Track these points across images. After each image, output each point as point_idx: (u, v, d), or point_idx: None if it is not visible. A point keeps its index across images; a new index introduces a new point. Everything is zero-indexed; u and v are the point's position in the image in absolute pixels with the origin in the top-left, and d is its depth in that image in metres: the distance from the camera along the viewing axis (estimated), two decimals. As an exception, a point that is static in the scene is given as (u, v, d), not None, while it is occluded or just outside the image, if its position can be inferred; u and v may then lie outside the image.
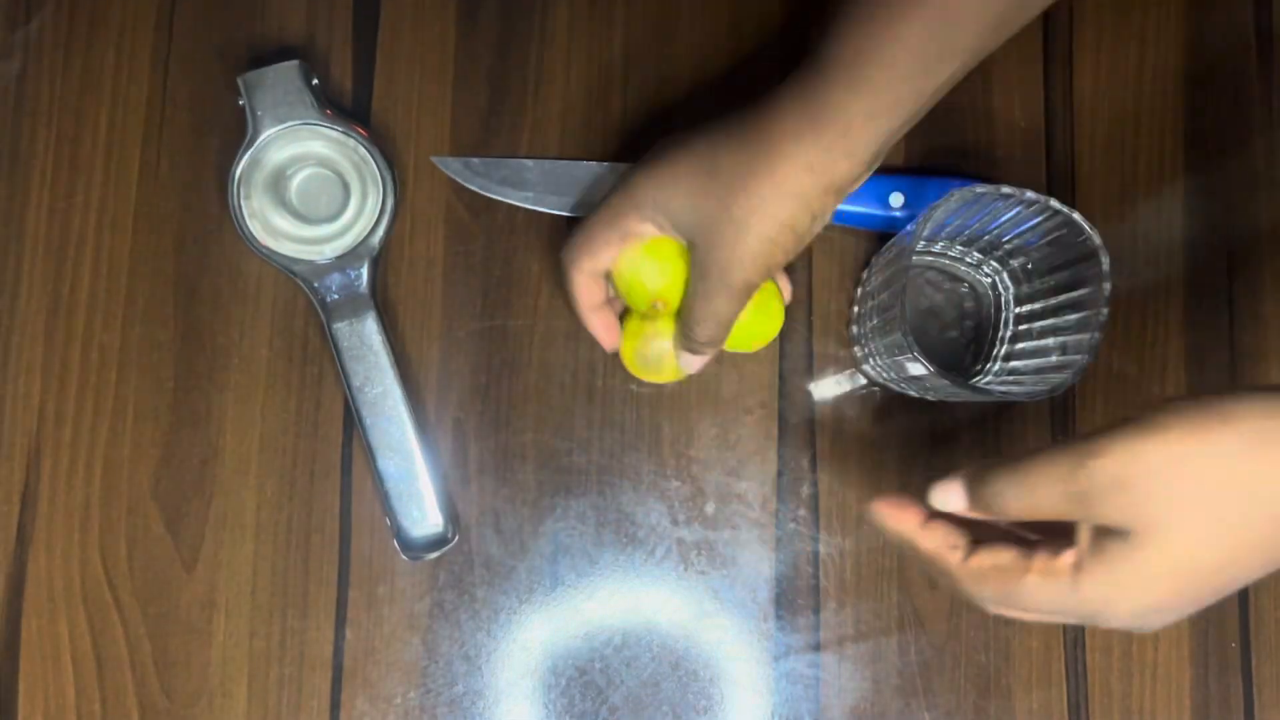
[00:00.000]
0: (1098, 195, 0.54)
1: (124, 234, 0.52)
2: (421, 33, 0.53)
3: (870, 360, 0.50)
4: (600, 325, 0.48)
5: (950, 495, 0.37)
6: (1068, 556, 0.33)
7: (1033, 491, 0.33)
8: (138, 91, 0.53)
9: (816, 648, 0.51)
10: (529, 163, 0.52)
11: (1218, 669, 0.51)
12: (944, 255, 0.53)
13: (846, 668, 0.51)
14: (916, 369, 0.45)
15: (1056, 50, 0.55)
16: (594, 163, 0.52)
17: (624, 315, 0.49)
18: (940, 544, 0.37)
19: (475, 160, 0.52)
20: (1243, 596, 0.52)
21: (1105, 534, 0.32)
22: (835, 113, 0.39)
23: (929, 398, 0.51)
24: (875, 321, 0.48)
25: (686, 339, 0.46)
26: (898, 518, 0.38)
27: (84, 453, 0.51)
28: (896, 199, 0.51)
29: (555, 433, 0.52)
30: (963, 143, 0.54)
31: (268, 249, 0.50)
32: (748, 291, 0.44)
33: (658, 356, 0.48)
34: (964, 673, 0.51)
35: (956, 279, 0.53)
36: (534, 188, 0.52)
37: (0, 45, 0.53)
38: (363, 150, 0.50)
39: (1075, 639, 0.51)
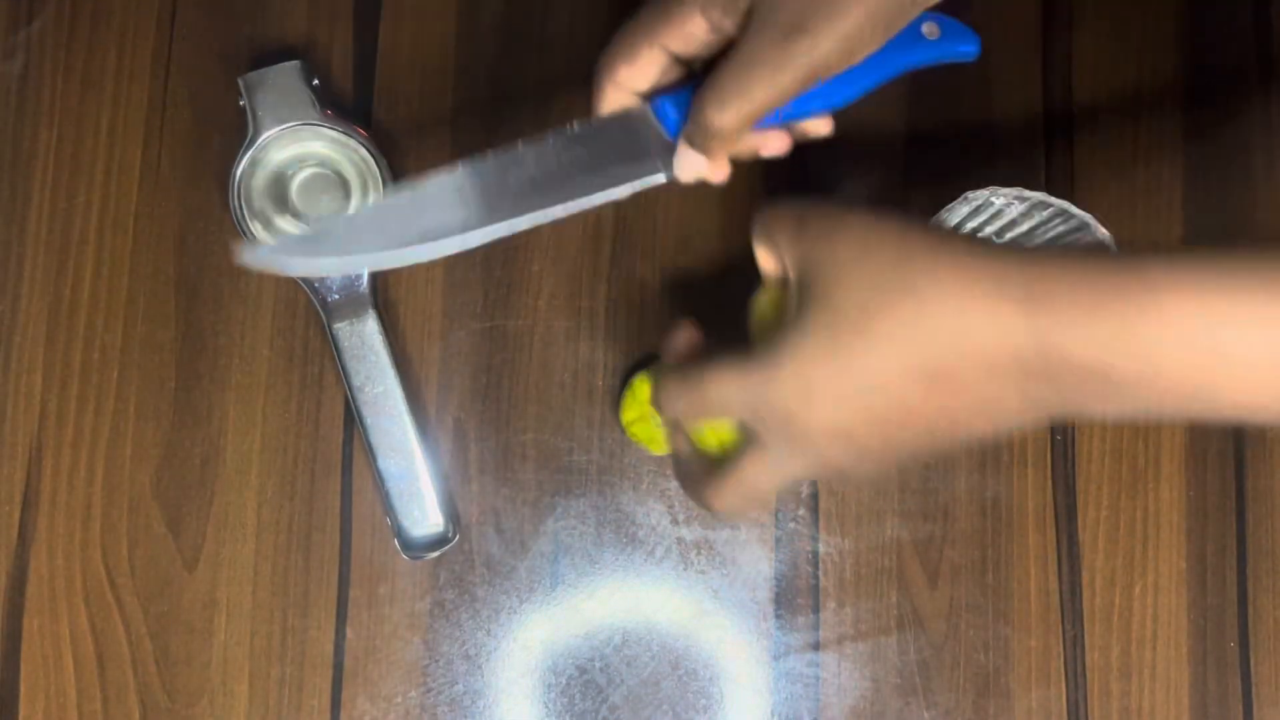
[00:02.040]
0: (1098, 195, 0.54)
1: (125, 234, 0.52)
2: (421, 33, 0.54)
3: None
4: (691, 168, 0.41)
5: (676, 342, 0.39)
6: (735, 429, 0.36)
7: (715, 404, 0.36)
8: (139, 92, 0.53)
9: (816, 647, 0.51)
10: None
11: (1216, 668, 0.51)
12: None
13: (846, 667, 0.51)
14: None
15: (1056, 50, 0.55)
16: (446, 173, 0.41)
17: (626, 386, 0.50)
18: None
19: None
20: (1242, 596, 0.52)
21: (781, 321, 0.34)
22: None
23: None
24: None
25: (696, 122, 0.39)
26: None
27: (85, 452, 0.51)
28: (932, 29, 0.42)
29: (555, 433, 0.52)
30: (963, 142, 0.54)
31: (268, 249, 0.50)
32: (807, 70, 0.36)
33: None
34: (963, 672, 0.51)
35: None
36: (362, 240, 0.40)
37: (2, 45, 0.53)
38: (363, 150, 0.50)
39: (1075, 639, 0.51)
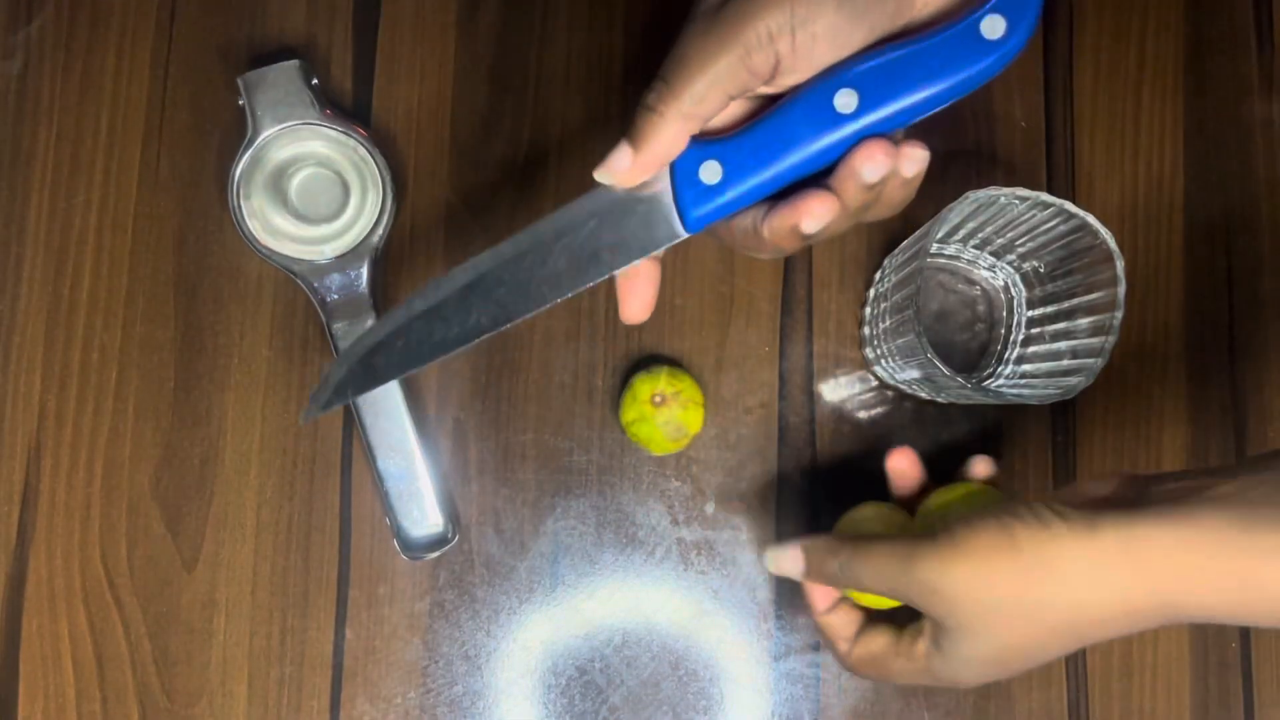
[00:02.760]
0: (1098, 195, 0.54)
1: (124, 234, 0.52)
2: (421, 33, 0.54)
3: (882, 362, 0.50)
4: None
5: (784, 562, 0.43)
6: (919, 645, 0.40)
7: (860, 580, 0.40)
8: (138, 91, 0.53)
9: (816, 647, 0.51)
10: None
11: (1217, 669, 0.51)
12: (957, 258, 0.53)
13: (846, 668, 0.51)
14: (930, 371, 0.45)
15: (1056, 50, 0.55)
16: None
17: (626, 386, 0.50)
18: (834, 633, 0.44)
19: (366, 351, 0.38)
20: (1243, 596, 0.52)
21: (938, 626, 0.38)
22: None
23: (940, 399, 0.51)
24: (888, 323, 0.48)
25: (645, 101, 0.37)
26: (808, 595, 0.44)
27: (84, 452, 0.51)
28: (847, 99, 0.35)
29: (555, 433, 0.52)
30: (963, 143, 0.54)
31: (268, 249, 0.50)
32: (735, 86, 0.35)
33: (677, 425, 0.49)
34: (964, 673, 0.51)
35: (969, 281, 0.53)
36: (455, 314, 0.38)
37: (2, 45, 0.53)
38: (363, 150, 0.50)
39: (1075, 639, 0.51)
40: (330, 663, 0.50)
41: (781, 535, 0.51)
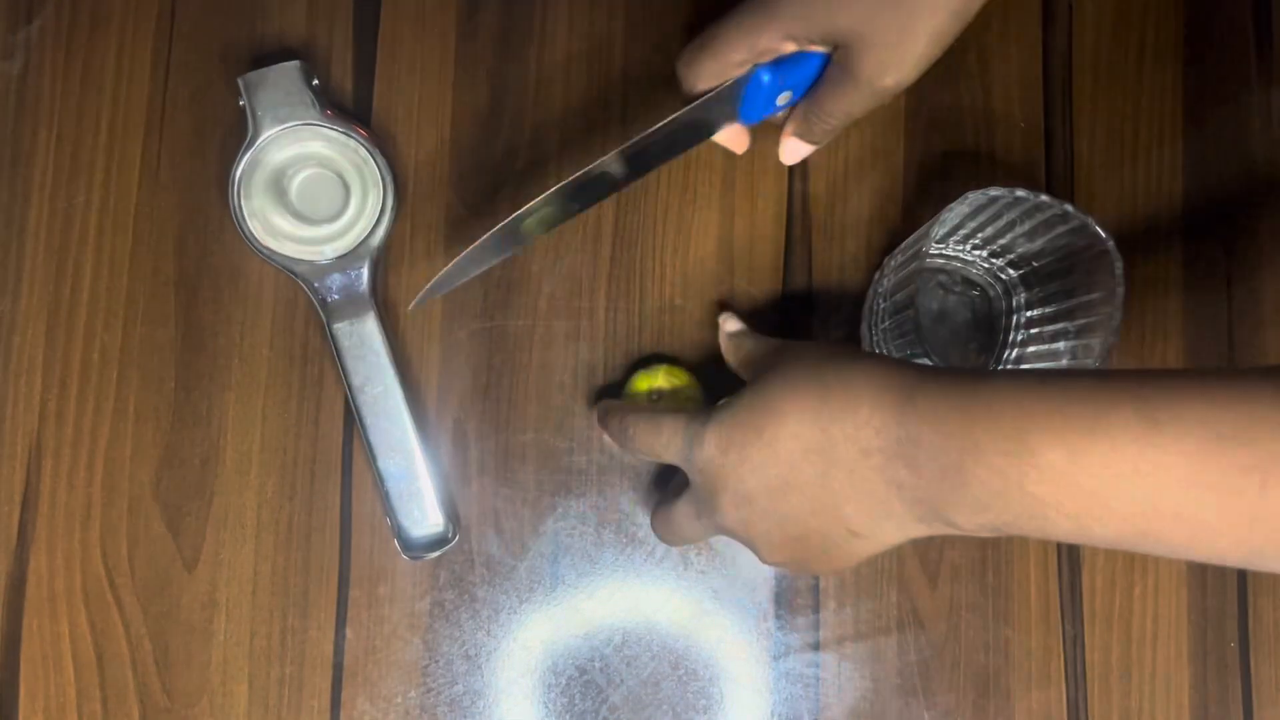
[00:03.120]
0: (1098, 195, 0.54)
1: (125, 234, 0.52)
2: (421, 33, 0.54)
3: None
4: (727, 141, 0.50)
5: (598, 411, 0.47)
6: (681, 508, 0.44)
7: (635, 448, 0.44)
8: (138, 92, 0.53)
9: (816, 647, 0.51)
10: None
11: (1216, 669, 0.51)
12: (956, 258, 0.53)
13: (846, 667, 0.51)
14: None
15: (1056, 50, 0.55)
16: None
17: (625, 386, 0.51)
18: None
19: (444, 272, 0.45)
20: (1242, 598, 0.52)
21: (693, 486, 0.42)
22: None
23: None
24: (887, 323, 0.48)
25: (804, 129, 0.48)
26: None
27: (85, 452, 0.51)
28: (784, 97, 0.48)
29: (555, 433, 0.52)
30: (963, 143, 0.54)
31: (268, 249, 0.50)
32: (892, 96, 0.44)
33: None
34: (963, 673, 0.51)
35: (968, 282, 0.53)
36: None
37: (2, 45, 0.53)
38: (363, 151, 0.50)
39: (1075, 639, 0.51)
40: (330, 662, 0.50)
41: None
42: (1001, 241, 0.50)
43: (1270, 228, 0.54)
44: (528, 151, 0.53)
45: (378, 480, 0.49)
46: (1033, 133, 0.54)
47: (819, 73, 0.46)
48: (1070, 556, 0.52)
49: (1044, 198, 0.45)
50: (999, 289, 0.53)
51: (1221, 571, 0.52)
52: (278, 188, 0.50)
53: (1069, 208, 0.45)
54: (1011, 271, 0.52)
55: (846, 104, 0.45)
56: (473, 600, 0.51)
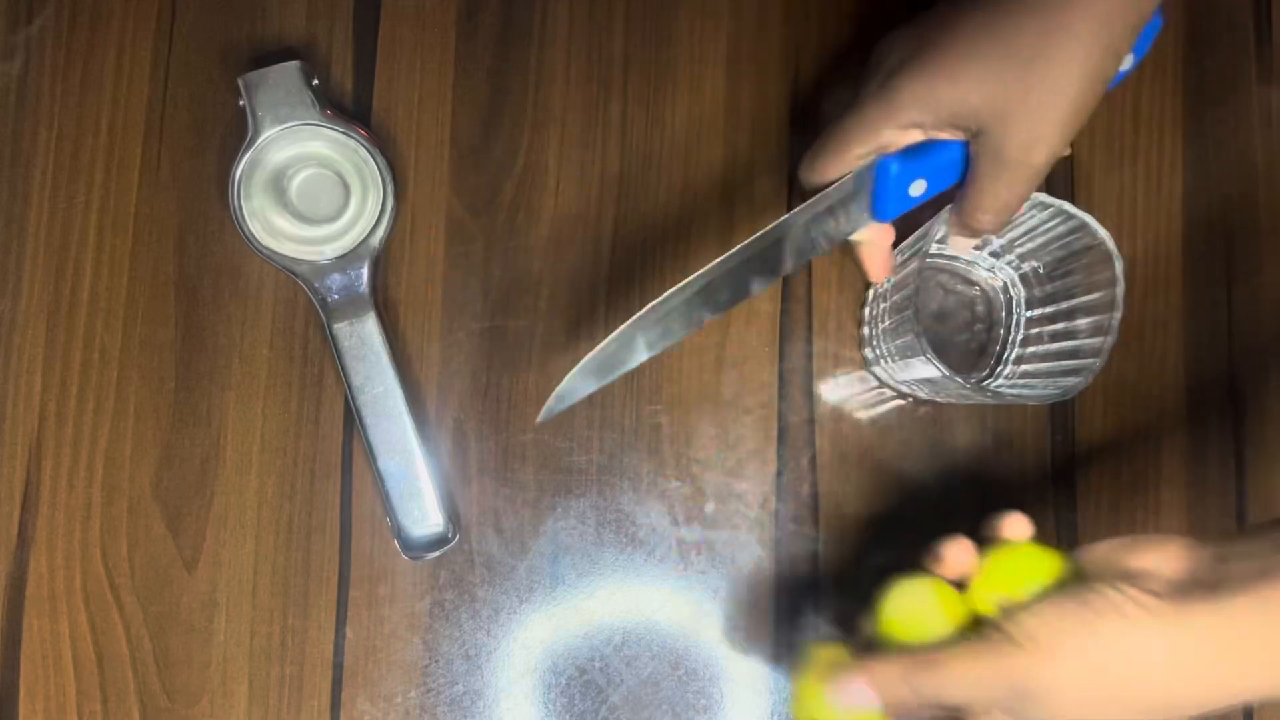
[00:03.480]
0: (1097, 194, 0.54)
1: (125, 234, 0.52)
2: (421, 33, 0.54)
3: (881, 362, 0.50)
4: (868, 255, 0.47)
5: (852, 696, 0.39)
6: None
7: (940, 699, 0.37)
8: (138, 92, 0.53)
9: (816, 647, 0.51)
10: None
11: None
12: (956, 259, 0.53)
13: (846, 667, 0.51)
14: (929, 371, 0.45)
15: (1056, 50, 0.55)
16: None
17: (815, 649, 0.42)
18: None
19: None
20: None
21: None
22: None
23: (939, 399, 0.51)
24: (887, 323, 0.48)
25: (964, 224, 0.44)
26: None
27: (85, 452, 0.51)
28: (918, 187, 0.45)
29: (555, 433, 0.52)
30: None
31: (268, 249, 0.50)
32: (1047, 170, 0.41)
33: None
34: (963, 672, 0.51)
35: (969, 282, 0.53)
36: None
37: (2, 45, 0.53)
38: (363, 151, 0.50)
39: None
40: (331, 662, 0.50)
41: (781, 535, 0.52)
42: (1001, 241, 0.50)
43: (1270, 227, 0.54)
44: (528, 151, 0.53)
45: (378, 480, 0.49)
46: (1033, 133, 0.54)
47: (960, 160, 0.43)
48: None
49: (1044, 197, 0.45)
50: (999, 289, 0.53)
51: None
52: (278, 188, 0.50)
53: (1069, 207, 0.45)
54: (1011, 271, 0.52)
55: (1005, 192, 0.42)
56: (473, 600, 0.51)
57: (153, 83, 0.53)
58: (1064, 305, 0.49)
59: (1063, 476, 0.52)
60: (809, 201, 0.43)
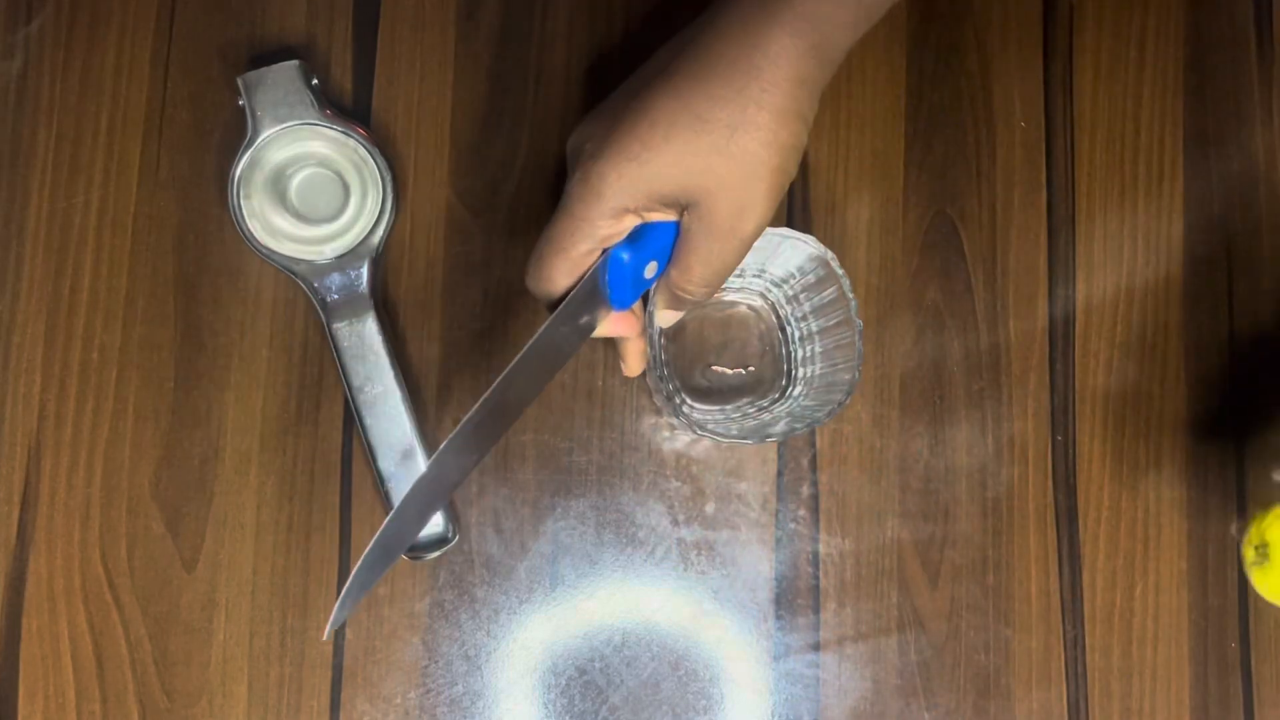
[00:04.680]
0: (1098, 195, 0.54)
1: (124, 233, 0.52)
2: (421, 33, 0.53)
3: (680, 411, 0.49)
4: (625, 349, 0.47)
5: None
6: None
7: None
8: (138, 91, 0.53)
9: (816, 648, 0.51)
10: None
11: (1217, 669, 0.51)
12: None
13: (846, 668, 0.51)
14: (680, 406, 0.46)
15: (1056, 50, 0.55)
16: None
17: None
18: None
19: None
20: (1242, 597, 0.52)
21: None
22: (819, 23, 0.39)
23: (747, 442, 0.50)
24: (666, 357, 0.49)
25: (674, 297, 0.44)
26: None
27: (84, 452, 0.51)
28: (650, 269, 0.44)
29: (555, 433, 0.52)
30: (963, 142, 0.54)
31: (268, 249, 0.50)
32: (756, 238, 0.41)
33: None
34: (964, 673, 0.51)
35: (734, 304, 0.53)
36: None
37: (1, 45, 0.53)
38: (362, 150, 0.50)
39: (1075, 639, 0.51)
40: (330, 663, 0.50)
41: (781, 535, 0.51)
42: (752, 269, 0.50)
43: (1271, 226, 0.54)
44: (528, 151, 0.53)
45: (377, 480, 0.49)
46: (1033, 132, 0.54)
47: (674, 238, 0.42)
48: (1071, 556, 0.52)
49: (783, 231, 0.46)
50: (768, 308, 0.52)
51: (1222, 571, 0.52)
52: (277, 187, 0.50)
53: (803, 239, 0.46)
54: (776, 292, 0.52)
55: (716, 261, 0.41)
56: (472, 600, 0.51)
57: (152, 82, 0.53)
58: (828, 323, 0.49)
59: (1063, 476, 0.52)
60: (555, 315, 0.42)
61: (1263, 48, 0.55)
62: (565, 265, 0.41)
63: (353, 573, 0.39)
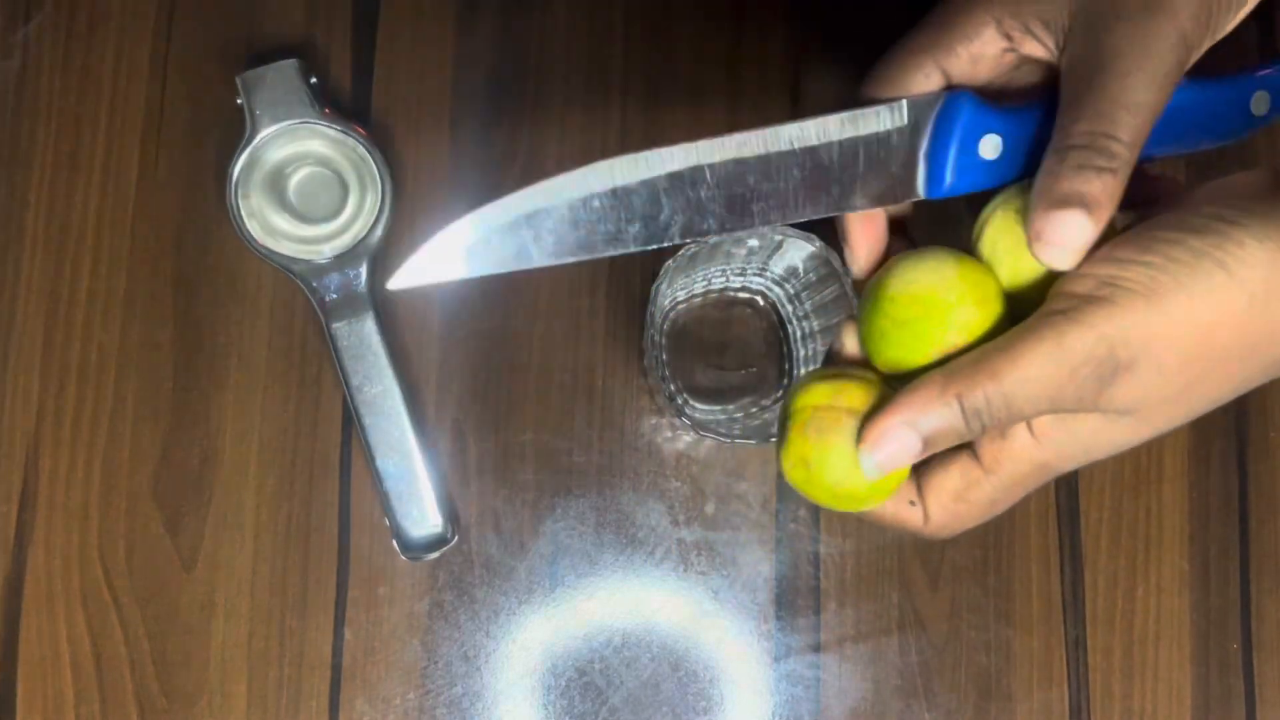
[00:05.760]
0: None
1: (123, 233, 0.52)
2: (421, 32, 0.53)
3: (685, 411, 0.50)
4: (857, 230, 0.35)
5: (891, 449, 0.30)
6: (1021, 438, 0.30)
7: (1020, 410, 0.29)
8: (137, 91, 0.53)
9: (817, 648, 0.51)
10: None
11: (1219, 670, 0.51)
12: (709, 288, 0.52)
13: (847, 668, 0.51)
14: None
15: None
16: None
17: (799, 387, 0.33)
18: (901, 517, 0.33)
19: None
20: (1244, 598, 0.52)
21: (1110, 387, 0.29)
22: None
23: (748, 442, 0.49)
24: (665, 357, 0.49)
25: (1091, 155, 0.29)
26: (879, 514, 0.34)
27: (83, 452, 0.51)
28: (1262, 100, 0.35)
29: (555, 433, 0.52)
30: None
31: (266, 248, 0.50)
32: (1181, 70, 0.30)
33: (847, 460, 0.31)
34: (965, 673, 0.51)
35: (735, 303, 0.52)
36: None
37: (1, 45, 0.53)
38: (361, 149, 0.50)
39: (1077, 640, 0.51)
40: (329, 663, 0.50)
41: (781, 535, 0.51)
42: (754, 266, 0.50)
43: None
44: (528, 152, 0.53)
45: (376, 480, 0.49)
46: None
47: (1048, 123, 0.31)
48: (1072, 556, 0.52)
49: (761, 235, 0.44)
50: (770, 303, 0.52)
51: (1224, 572, 0.52)
52: (276, 187, 0.50)
53: (791, 233, 0.45)
54: (775, 287, 0.51)
55: (1137, 93, 0.29)
56: (472, 601, 0.51)
57: (151, 82, 0.53)
58: (831, 321, 0.49)
59: (1064, 478, 0.52)
60: (838, 114, 0.32)
61: (1263, 48, 0.55)
62: (895, 78, 0.33)
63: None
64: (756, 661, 0.51)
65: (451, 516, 0.50)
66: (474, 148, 0.53)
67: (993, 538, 0.52)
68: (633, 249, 0.33)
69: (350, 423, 0.51)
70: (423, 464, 0.49)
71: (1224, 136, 0.36)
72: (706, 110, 0.53)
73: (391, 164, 0.51)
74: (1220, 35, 0.32)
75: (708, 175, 0.32)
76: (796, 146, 0.32)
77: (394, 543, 0.49)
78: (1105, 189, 0.29)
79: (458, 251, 0.34)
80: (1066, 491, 0.52)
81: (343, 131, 0.50)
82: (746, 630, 0.51)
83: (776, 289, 0.51)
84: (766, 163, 0.32)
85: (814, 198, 0.33)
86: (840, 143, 0.32)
